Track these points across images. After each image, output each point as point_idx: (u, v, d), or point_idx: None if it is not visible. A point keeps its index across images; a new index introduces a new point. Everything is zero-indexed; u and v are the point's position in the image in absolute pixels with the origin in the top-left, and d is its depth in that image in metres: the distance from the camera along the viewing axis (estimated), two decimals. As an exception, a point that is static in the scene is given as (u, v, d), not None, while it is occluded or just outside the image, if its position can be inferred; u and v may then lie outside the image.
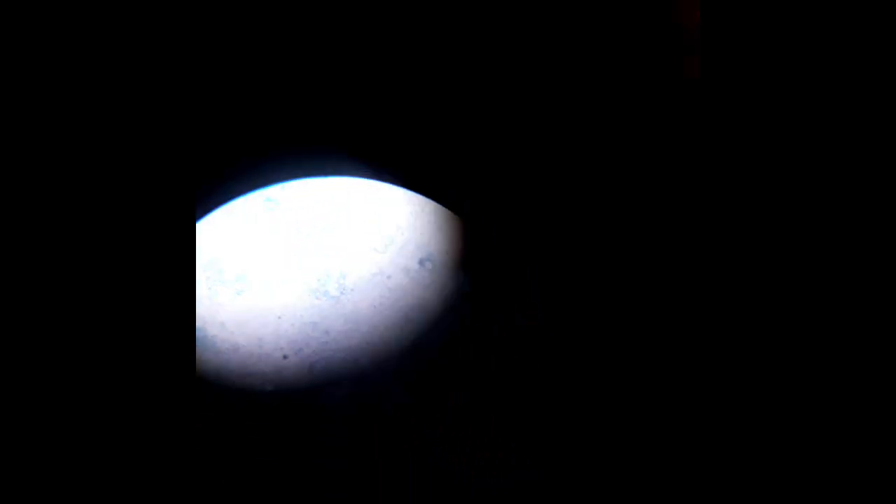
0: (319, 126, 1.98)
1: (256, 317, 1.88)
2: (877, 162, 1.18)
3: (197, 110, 1.96)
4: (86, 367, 1.03)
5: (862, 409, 1.44)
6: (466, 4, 2.00)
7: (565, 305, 1.98)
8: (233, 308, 1.89)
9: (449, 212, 1.96)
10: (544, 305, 1.97)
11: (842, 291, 1.45)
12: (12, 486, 0.96)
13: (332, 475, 1.90)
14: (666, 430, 1.93)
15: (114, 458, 1.02)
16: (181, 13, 1.28)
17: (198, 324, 1.84)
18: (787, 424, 1.60)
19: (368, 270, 1.93)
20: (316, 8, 1.99)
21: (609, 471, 1.93)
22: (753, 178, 1.60)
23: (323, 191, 1.95)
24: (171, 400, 1.12)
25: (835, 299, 1.47)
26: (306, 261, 1.93)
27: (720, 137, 1.65)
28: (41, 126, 1.06)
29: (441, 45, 2.01)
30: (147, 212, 1.14)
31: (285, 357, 1.86)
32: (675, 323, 1.94)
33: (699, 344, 1.94)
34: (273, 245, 1.92)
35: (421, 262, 1.94)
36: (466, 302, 1.94)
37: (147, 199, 1.13)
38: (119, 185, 1.11)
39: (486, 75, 2.01)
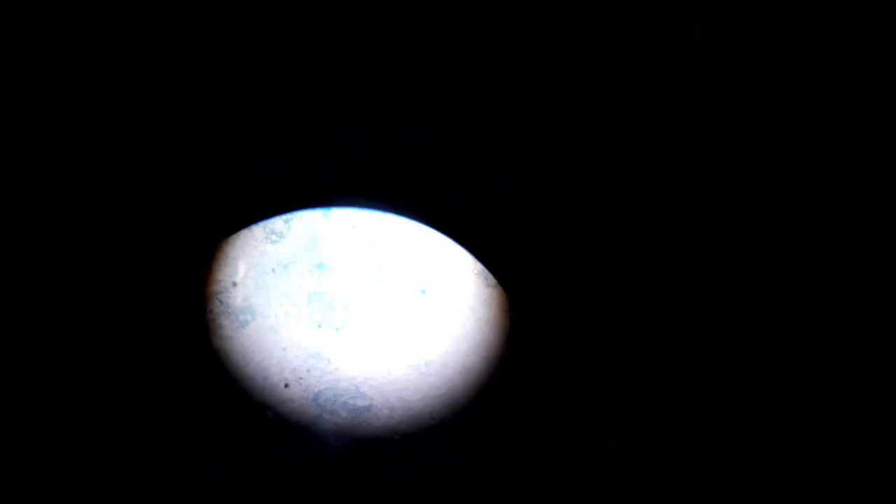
0: (321, 155, 1.96)
1: (261, 349, 1.88)
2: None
3: (198, 137, 1.94)
4: (91, 398, 1.05)
5: (862, 409, 1.47)
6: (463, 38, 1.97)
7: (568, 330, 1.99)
8: (238, 340, 1.89)
9: (451, 240, 1.96)
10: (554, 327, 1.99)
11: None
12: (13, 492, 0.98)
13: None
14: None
15: (119, 481, 1.04)
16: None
17: (202, 356, 1.85)
18: (789, 424, 1.63)
19: (371, 301, 1.94)
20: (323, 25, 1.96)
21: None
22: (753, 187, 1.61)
23: (326, 223, 1.94)
24: (176, 429, 1.13)
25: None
26: (310, 293, 1.92)
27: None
28: (49, 168, 1.05)
29: (442, 62, 1.99)
30: (153, 241, 1.15)
31: (287, 385, 1.87)
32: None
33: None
34: (277, 277, 1.91)
35: (423, 291, 1.95)
36: (470, 327, 1.95)
37: (153, 229, 1.13)
38: (126, 215, 1.11)
39: (489, 95, 1.99)
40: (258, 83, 1.97)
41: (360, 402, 1.90)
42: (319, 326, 1.91)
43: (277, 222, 1.92)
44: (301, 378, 1.87)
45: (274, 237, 1.92)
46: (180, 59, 1.39)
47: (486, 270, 1.97)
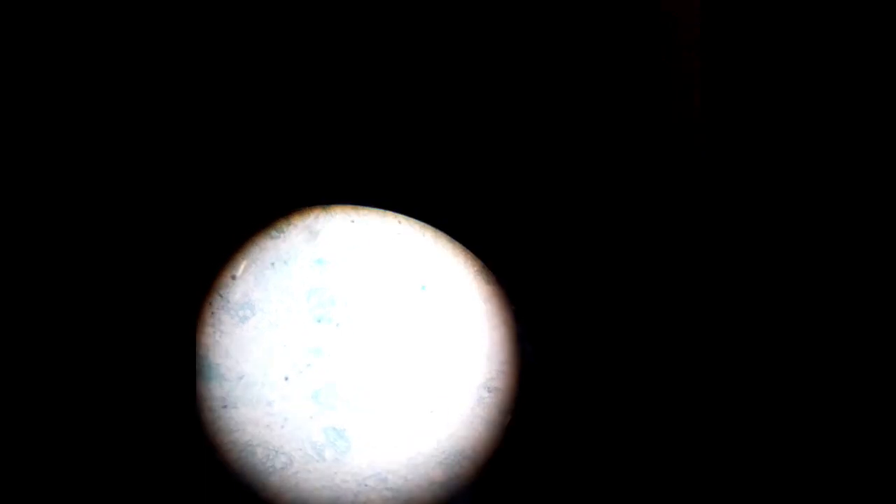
0: (321, 153, 1.96)
1: (261, 345, 1.87)
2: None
3: (200, 136, 1.95)
4: (88, 397, 1.04)
5: (862, 409, 1.45)
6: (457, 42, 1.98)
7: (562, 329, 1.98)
8: (237, 336, 1.88)
9: (448, 237, 1.96)
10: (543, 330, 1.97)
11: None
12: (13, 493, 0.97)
13: None
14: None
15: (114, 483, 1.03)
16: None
17: (202, 352, 1.83)
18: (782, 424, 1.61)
19: (370, 297, 1.93)
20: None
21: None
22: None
23: (325, 221, 1.94)
24: (172, 430, 1.12)
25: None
26: (310, 288, 1.92)
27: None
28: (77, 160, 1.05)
29: (433, 76, 1.99)
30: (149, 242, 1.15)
31: (287, 379, 1.86)
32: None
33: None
34: (277, 272, 1.91)
35: (423, 288, 1.94)
36: (470, 323, 1.94)
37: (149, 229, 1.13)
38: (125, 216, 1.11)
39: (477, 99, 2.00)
40: (260, 87, 1.98)
41: (360, 401, 1.89)
42: (319, 322, 1.90)
43: (277, 217, 1.92)
44: (301, 372, 1.86)
45: (273, 233, 1.92)
46: (186, 64, 1.40)
47: (485, 267, 1.96)
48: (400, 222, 1.95)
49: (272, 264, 1.91)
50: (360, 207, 1.95)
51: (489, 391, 1.93)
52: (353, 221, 1.94)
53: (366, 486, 1.87)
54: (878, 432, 1.46)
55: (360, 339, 1.91)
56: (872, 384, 1.47)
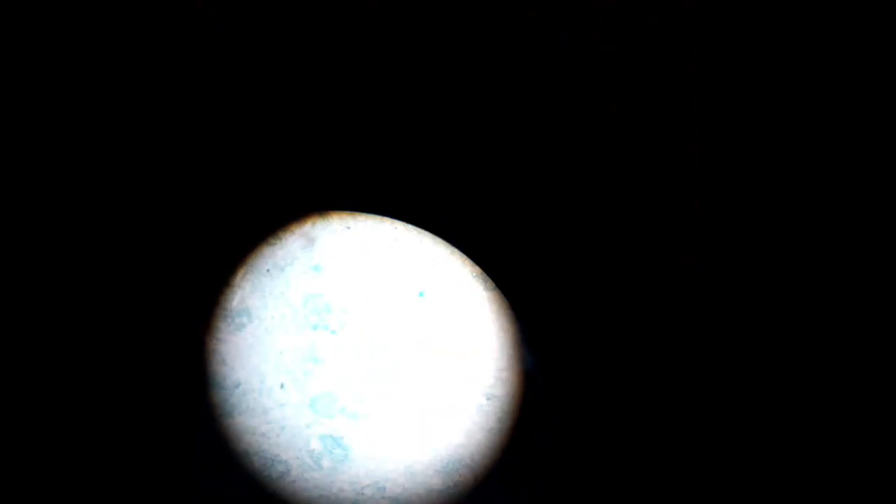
0: (318, 158, 1.97)
1: (257, 352, 1.87)
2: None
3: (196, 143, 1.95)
4: (91, 408, 1.03)
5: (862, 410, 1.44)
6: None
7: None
8: (234, 343, 1.88)
9: (447, 242, 1.96)
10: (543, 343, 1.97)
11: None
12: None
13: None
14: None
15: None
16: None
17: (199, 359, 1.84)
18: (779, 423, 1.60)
19: (368, 303, 1.93)
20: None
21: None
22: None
23: (321, 228, 1.94)
24: (173, 440, 1.11)
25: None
26: (306, 295, 1.92)
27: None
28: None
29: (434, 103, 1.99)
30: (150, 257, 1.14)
31: (282, 386, 1.86)
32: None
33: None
34: (273, 279, 1.91)
35: (420, 294, 1.94)
36: (469, 330, 1.94)
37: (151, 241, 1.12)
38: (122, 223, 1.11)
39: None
40: (257, 92, 1.99)
41: (357, 408, 1.88)
42: (315, 329, 1.89)
43: (275, 225, 1.92)
44: (298, 380, 1.86)
45: (271, 240, 1.92)
46: (182, 73, 1.40)
47: (484, 273, 1.96)
48: (396, 228, 1.95)
49: (268, 271, 1.91)
50: (356, 214, 1.95)
51: (488, 399, 1.91)
52: (349, 228, 1.94)
53: (363, 494, 1.86)
54: (879, 433, 1.45)
55: (356, 345, 1.91)
56: (869, 390, 1.46)
